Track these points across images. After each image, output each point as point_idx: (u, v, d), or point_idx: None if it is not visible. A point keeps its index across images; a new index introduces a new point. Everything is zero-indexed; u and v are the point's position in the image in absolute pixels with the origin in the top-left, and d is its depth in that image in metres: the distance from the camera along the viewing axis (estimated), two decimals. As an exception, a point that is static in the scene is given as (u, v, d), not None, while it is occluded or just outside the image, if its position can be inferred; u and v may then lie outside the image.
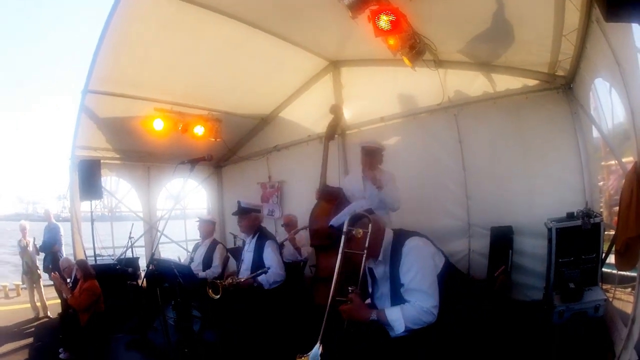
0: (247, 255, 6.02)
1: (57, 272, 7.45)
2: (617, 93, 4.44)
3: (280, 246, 6.87)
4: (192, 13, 6.31)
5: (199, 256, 7.42)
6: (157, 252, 9.20)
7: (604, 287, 5.28)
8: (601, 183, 6.29)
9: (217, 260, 7.25)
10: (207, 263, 7.25)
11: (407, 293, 3.17)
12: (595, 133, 6.04)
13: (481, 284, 6.58)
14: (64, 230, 10.16)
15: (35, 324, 9.25)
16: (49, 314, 9.63)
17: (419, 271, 3.12)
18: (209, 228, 7.71)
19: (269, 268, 5.56)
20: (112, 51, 6.78)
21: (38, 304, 9.73)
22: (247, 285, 5.54)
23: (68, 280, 7.39)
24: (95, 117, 8.11)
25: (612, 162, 5.71)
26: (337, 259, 3.41)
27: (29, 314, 9.68)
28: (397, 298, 3.24)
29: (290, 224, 8.13)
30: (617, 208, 4.42)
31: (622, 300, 5.14)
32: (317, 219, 6.26)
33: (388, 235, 3.41)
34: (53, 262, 9.64)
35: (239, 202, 6.15)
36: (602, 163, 6.18)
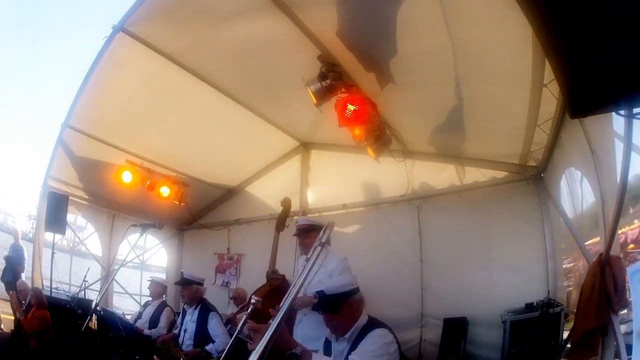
0: (190, 326, 6.17)
1: (14, 292, 7.62)
2: (588, 183, 4.48)
3: (227, 322, 7.01)
4: (175, 74, 6.45)
5: (147, 314, 7.41)
6: (108, 300, 9.18)
7: None
8: (571, 264, 6.37)
9: (163, 322, 7.23)
10: (153, 322, 7.23)
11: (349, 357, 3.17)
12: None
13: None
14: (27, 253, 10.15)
15: None
16: (2, 327, 9.60)
17: (373, 351, 3.12)
18: (159, 290, 7.74)
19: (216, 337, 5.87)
20: (95, 94, 6.92)
21: None
22: (195, 356, 5.79)
23: (23, 302, 7.41)
24: (70, 153, 8.14)
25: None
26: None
27: None
28: None
29: (238, 298, 8.21)
30: None
31: None
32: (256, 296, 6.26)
33: (363, 319, 3.41)
34: (14, 279, 9.59)
35: (181, 273, 6.45)
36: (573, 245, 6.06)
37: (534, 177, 6.59)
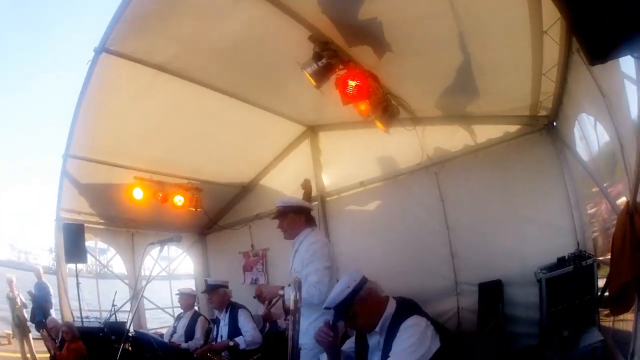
0: (224, 330, 6.16)
1: (45, 330, 7.60)
2: (602, 127, 4.35)
3: (264, 320, 6.94)
4: (168, 82, 6.33)
5: (181, 327, 7.29)
6: (140, 318, 9.13)
7: (604, 311, 5.09)
8: (593, 210, 6.14)
9: (199, 333, 7.11)
10: (189, 334, 7.12)
11: None
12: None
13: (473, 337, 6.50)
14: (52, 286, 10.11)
15: None
16: None
17: (409, 347, 2.95)
18: (189, 301, 7.61)
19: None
20: (89, 119, 6.81)
21: (28, 355, 9.86)
22: (224, 347, 5.83)
23: (56, 339, 7.40)
24: (76, 183, 8.09)
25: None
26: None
27: None
28: None
29: (260, 296, 8.00)
30: (612, 231, 4.27)
31: (624, 320, 4.83)
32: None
33: (390, 307, 3.22)
34: (44, 318, 9.50)
35: (205, 280, 6.50)
36: (593, 190, 5.96)
37: (547, 126, 6.44)
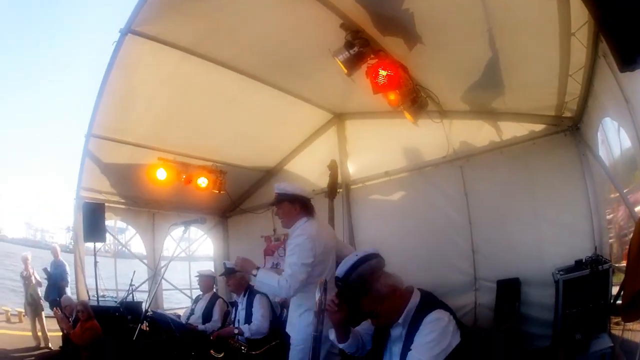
0: (241, 314, 6.12)
1: (59, 309, 7.58)
2: (625, 132, 4.29)
3: (282, 307, 6.81)
4: (194, 65, 6.31)
5: (199, 309, 7.29)
6: (157, 299, 9.15)
7: (615, 319, 5.06)
8: (610, 216, 6.08)
9: (216, 315, 7.08)
10: (206, 316, 7.11)
11: (408, 354, 2.99)
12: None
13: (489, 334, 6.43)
14: (69, 265, 10.20)
15: (36, 353, 9.38)
16: (50, 345, 9.69)
17: (431, 342, 2.93)
18: (208, 283, 7.57)
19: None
20: (113, 101, 6.82)
21: (39, 333, 9.81)
22: (228, 334, 5.81)
23: (70, 317, 7.42)
24: (99, 162, 8.11)
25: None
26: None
27: (29, 342, 9.83)
28: None
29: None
30: (628, 238, 4.21)
31: (633, 330, 4.82)
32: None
33: (414, 299, 3.17)
34: (59, 296, 9.58)
35: (224, 264, 6.47)
36: (611, 195, 5.92)
37: (571, 128, 6.35)
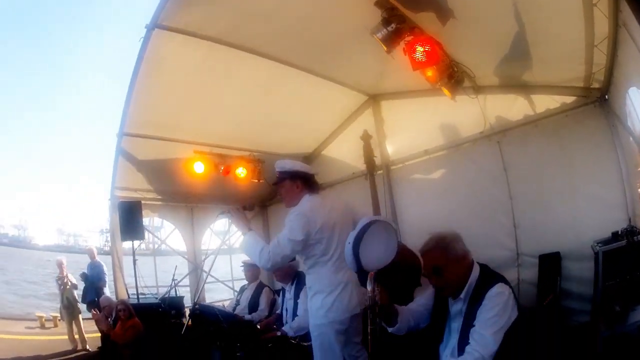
0: (289, 304, 6.03)
1: (97, 310, 7.78)
2: None
3: None
4: (224, 54, 6.30)
5: (245, 299, 7.33)
6: (202, 293, 9.18)
7: None
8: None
9: (263, 304, 7.11)
10: (253, 306, 7.15)
11: (472, 331, 2.98)
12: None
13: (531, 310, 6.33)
14: (107, 267, 10.35)
15: (73, 356, 9.54)
16: (87, 347, 9.82)
17: (494, 317, 2.92)
18: (254, 272, 7.52)
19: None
20: (145, 95, 6.82)
21: (76, 336, 9.96)
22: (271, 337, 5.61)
23: (109, 318, 7.51)
24: (133, 159, 8.18)
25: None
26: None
27: (66, 346, 9.98)
28: (465, 336, 3.02)
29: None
30: None
31: None
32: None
33: (475, 272, 3.15)
34: (97, 297, 9.81)
35: None
36: (638, 169, 5.91)
37: (599, 99, 6.26)
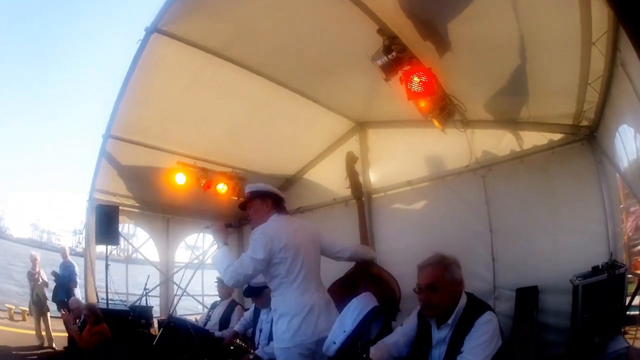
0: (266, 326, 5.83)
1: (66, 310, 7.66)
2: None
3: None
4: (220, 68, 6.26)
5: (216, 316, 7.25)
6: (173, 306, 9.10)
7: (629, 329, 5.33)
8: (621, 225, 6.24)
9: (234, 322, 6.98)
10: (224, 323, 7.06)
11: (459, 357, 3.02)
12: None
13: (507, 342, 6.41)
14: (78, 268, 10.24)
15: (39, 352, 9.42)
16: (54, 345, 9.70)
17: (484, 343, 2.97)
18: (227, 289, 7.44)
19: None
20: (135, 101, 6.76)
21: (43, 333, 9.86)
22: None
23: (77, 320, 7.44)
24: (115, 163, 8.06)
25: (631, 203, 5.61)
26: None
27: (32, 341, 9.90)
28: None
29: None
30: (636, 249, 4.32)
31: None
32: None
33: (463, 300, 3.21)
34: (67, 297, 9.73)
35: (248, 285, 5.73)
36: (621, 206, 6.15)
37: (588, 136, 6.43)
